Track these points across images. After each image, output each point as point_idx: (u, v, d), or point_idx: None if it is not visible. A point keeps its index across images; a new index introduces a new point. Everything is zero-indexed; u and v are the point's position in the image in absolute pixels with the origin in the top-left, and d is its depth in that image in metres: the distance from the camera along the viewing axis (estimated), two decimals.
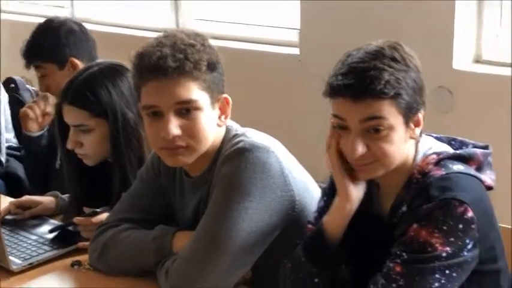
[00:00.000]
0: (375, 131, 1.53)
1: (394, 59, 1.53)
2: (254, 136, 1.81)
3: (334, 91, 1.53)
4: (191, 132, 1.73)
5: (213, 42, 1.80)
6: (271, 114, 3.41)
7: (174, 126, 1.71)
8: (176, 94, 1.70)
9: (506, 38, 2.87)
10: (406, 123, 1.55)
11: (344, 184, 1.60)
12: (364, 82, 1.50)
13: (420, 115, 1.57)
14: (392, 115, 1.52)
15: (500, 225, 1.63)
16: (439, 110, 2.83)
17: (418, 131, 1.58)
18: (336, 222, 1.61)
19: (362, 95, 1.50)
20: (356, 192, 1.60)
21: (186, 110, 1.72)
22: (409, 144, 1.58)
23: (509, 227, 1.79)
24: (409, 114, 1.54)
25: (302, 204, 1.78)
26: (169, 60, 1.69)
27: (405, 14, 2.94)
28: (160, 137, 1.73)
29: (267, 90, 3.45)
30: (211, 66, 1.74)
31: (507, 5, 2.85)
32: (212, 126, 1.78)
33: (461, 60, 2.88)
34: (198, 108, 1.73)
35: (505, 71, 2.80)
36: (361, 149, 1.52)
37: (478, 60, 2.91)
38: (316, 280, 1.63)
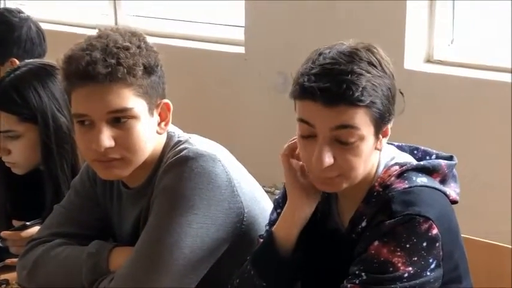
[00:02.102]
0: (344, 141, 1.41)
1: (371, 63, 1.41)
2: (198, 143, 1.70)
3: (304, 93, 1.40)
4: (126, 143, 1.61)
5: (154, 41, 1.67)
6: (216, 115, 3.34)
7: (107, 138, 1.59)
8: (108, 102, 1.58)
9: (459, 37, 2.83)
10: (376, 134, 1.44)
11: (295, 190, 1.50)
12: (340, 87, 1.37)
13: (389, 125, 1.47)
14: (364, 125, 1.41)
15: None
16: None
17: (384, 142, 1.49)
18: (286, 229, 1.51)
19: (336, 100, 1.38)
20: (308, 200, 1.50)
21: (120, 119, 1.60)
22: (374, 156, 1.48)
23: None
24: (380, 125, 1.44)
25: (251, 216, 1.68)
26: (100, 66, 1.56)
27: (355, 12, 2.87)
28: (92, 149, 1.60)
29: (212, 90, 3.38)
30: (149, 70, 1.62)
31: (459, 4, 2.80)
32: (150, 135, 1.65)
33: (413, 60, 2.82)
34: (133, 117, 1.61)
35: (458, 71, 2.75)
36: (328, 159, 1.40)
37: (429, 60, 2.85)
38: None
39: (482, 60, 2.75)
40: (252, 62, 3.20)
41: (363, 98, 1.38)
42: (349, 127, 1.40)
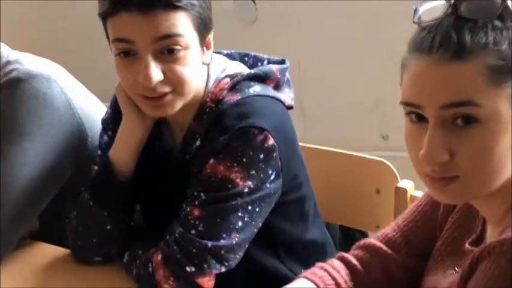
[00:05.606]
0: (169, 52, 1.32)
1: None
2: (30, 62, 1.58)
3: (117, 4, 1.29)
4: None
5: None
6: (48, 33, 3.08)
7: None
8: None
9: None
10: (202, 44, 1.37)
11: (129, 111, 1.42)
12: None
13: (211, 36, 1.40)
14: (188, 31, 1.33)
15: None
16: (243, 21, 2.72)
17: (209, 55, 1.41)
18: (122, 152, 1.45)
19: (153, 4, 1.28)
20: (144, 120, 1.43)
21: None
22: (203, 70, 1.42)
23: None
24: (203, 33, 1.37)
25: (96, 140, 1.59)
26: None
27: None
28: None
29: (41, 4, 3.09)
30: None
31: None
32: None
33: None
34: None
35: None
36: (156, 74, 1.31)
37: None
38: (108, 227, 1.45)
39: None
40: None
41: None
42: (173, 36, 1.31)
